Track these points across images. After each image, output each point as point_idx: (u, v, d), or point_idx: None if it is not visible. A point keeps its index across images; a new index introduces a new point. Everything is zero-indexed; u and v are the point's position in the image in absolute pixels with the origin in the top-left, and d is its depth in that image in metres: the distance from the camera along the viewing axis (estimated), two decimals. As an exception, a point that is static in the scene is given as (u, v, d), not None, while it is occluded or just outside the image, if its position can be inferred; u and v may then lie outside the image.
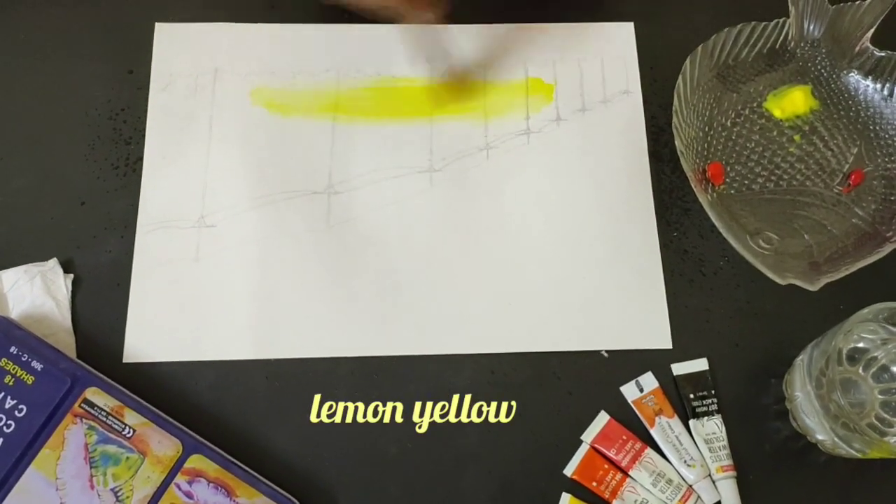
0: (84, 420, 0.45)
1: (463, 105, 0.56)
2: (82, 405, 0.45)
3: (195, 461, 0.45)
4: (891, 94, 0.55)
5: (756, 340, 0.51)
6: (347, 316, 0.51)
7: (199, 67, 0.56)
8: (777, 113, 0.55)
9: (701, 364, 0.50)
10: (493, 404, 0.49)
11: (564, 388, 0.50)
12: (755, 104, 0.55)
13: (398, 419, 0.49)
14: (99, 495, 0.44)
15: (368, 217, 0.53)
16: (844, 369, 0.46)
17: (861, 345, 0.46)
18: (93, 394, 0.45)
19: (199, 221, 0.52)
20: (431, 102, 0.56)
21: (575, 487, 0.48)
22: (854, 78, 0.56)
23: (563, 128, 0.56)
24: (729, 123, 0.55)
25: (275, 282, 0.51)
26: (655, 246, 0.53)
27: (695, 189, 0.50)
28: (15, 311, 0.49)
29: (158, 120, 0.55)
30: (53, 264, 0.50)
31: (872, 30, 0.55)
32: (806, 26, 0.56)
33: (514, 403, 0.49)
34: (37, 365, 0.46)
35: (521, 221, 0.53)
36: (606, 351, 0.51)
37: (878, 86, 0.55)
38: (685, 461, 0.48)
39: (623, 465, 0.48)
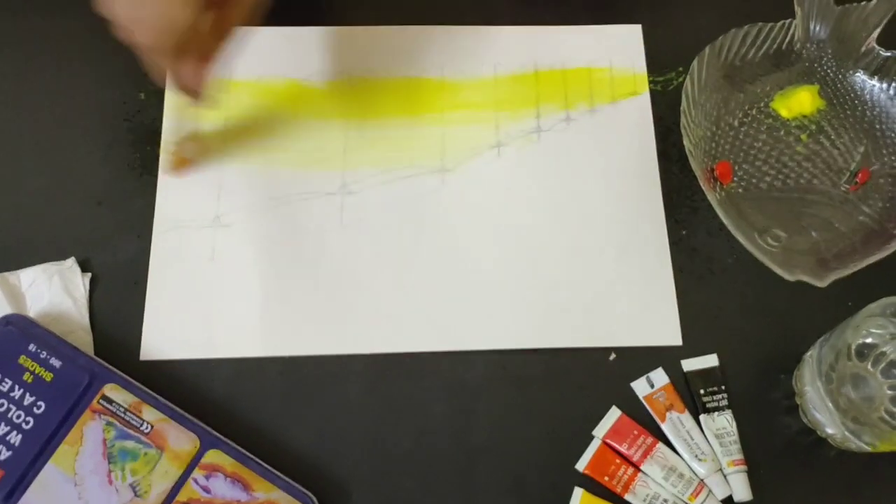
0: (102, 416, 0.45)
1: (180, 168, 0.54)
2: (100, 401, 0.46)
3: (212, 456, 0.45)
4: (897, 94, 0.56)
5: (765, 336, 0.52)
6: (360, 314, 0.51)
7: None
8: (784, 113, 0.56)
9: (711, 360, 0.51)
10: (505, 400, 0.50)
11: (576, 384, 0.50)
12: (762, 104, 0.56)
13: (411, 414, 0.49)
14: (117, 490, 0.44)
15: (381, 217, 0.54)
16: (854, 365, 0.47)
17: (870, 340, 0.47)
18: (111, 390, 0.46)
19: (215, 221, 0.53)
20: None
21: (587, 482, 0.48)
22: (860, 78, 0.56)
23: (573, 127, 0.56)
24: (736, 123, 0.56)
25: (289, 281, 0.52)
26: (665, 244, 0.54)
27: (703, 188, 0.50)
28: (33, 310, 0.50)
29: (173, 121, 0.55)
30: (71, 263, 0.51)
31: (878, 30, 0.55)
32: (812, 27, 0.56)
33: (525, 399, 0.50)
34: (55, 362, 0.46)
35: (531, 219, 0.54)
36: (615, 352, 0.51)
37: (884, 85, 0.56)
38: (696, 456, 0.48)
39: (635, 459, 0.48)
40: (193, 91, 0.47)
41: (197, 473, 0.45)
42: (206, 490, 0.45)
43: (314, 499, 0.46)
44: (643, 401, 0.50)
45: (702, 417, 0.49)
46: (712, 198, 0.50)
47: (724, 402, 0.49)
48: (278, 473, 0.46)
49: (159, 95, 0.56)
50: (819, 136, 0.56)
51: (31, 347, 0.47)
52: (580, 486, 0.48)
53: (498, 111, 0.57)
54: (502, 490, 0.48)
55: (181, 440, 0.45)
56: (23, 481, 0.44)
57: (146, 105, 0.56)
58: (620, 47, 0.59)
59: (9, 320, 0.47)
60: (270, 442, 0.48)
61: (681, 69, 0.58)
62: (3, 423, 0.45)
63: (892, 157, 0.55)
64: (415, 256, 0.53)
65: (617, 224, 0.54)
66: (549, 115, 0.57)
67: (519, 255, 0.53)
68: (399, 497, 0.48)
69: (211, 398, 0.49)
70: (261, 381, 0.50)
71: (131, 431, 0.45)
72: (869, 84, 0.56)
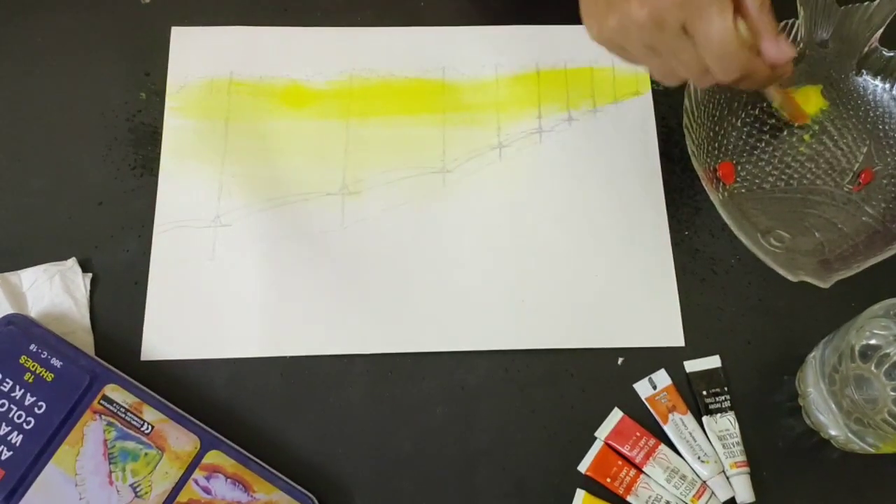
0: (103, 416, 0.45)
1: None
2: (101, 402, 0.46)
3: (213, 457, 0.45)
4: (900, 94, 0.55)
5: (768, 338, 0.51)
6: (362, 314, 0.51)
7: (214, 70, 0.57)
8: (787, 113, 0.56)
9: (714, 361, 0.51)
10: (507, 401, 0.50)
11: (578, 386, 0.50)
12: (765, 104, 0.56)
13: (412, 416, 0.49)
14: (118, 491, 0.44)
15: (382, 217, 0.54)
16: (857, 366, 0.47)
17: (873, 341, 0.47)
18: (111, 391, 0.46)
19: (215, 221, 0.53)
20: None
21: (589, 484, 0.48)
22: (863, 78, 0.56)
23: (575, 127, 0.56)
24: (739, 123, 0.55)
25: (290, 280, 0.52)
26: (667, 245, 0.53)
27: (706, 188, 0.50)
28: (34, 310, 0.50)
29: (174, 121, 0.55)
30: (72, 263, 0.51)
31: (881, 30, 0.55)
32: (815, 27, 0.56)
33: (527, 400, 0.50)
34: (56, 362, 0.46)
35: (533, 220, 0.54)
36: (617, 353, 0.51)
37: (888, 86, 0.56)
38: (699, 457, 0.48)
39: (637, 461, 0.48)
40: (782, 73, 0.44)
41: (197, 474, 0.45)
42: (207, 491, 0.45)
43: (314, 500, 0.46)
44: (645, 402, 0.50)
45: (704, 419, 0.49)
46: (715, 198, 0.50)
47: (727, 404, 0.49)
48: (279, 474, 0.46)
49: (160, 95, 0.56)
50: (822, 136, 0.56)
51: (32, 347, 0.46)
52: (582, 487, 0.48)
53: (499, 112, 0.57)
54: (504, 492, 0.48)
55: (182, 441, 0.45)
56: (24, 482, 0.44)
57: (147, 105, 0.56)
58: (623, 47, 0.59)
59: (10, 320, 0.47)
60: (271, 443, 0.48)
61: (683, 69, 0.58)
62: (3, 424, 0.45)
63: (895, 158, 0.54)
64: (415, 257, 0.53)
65: (619, 225, 0.54)
66: (551, 115, 0.57)
67: (520, 256, 0.53)
68: (400, 498, 0.48)
69: (212, 398, 0.49)
70: (261, 381, 0.50)
71: (132, 432, 0.45)
72: (872, 84, 0.56)
